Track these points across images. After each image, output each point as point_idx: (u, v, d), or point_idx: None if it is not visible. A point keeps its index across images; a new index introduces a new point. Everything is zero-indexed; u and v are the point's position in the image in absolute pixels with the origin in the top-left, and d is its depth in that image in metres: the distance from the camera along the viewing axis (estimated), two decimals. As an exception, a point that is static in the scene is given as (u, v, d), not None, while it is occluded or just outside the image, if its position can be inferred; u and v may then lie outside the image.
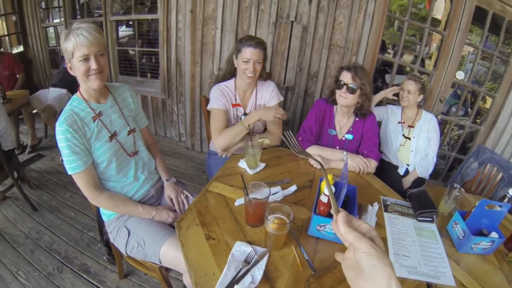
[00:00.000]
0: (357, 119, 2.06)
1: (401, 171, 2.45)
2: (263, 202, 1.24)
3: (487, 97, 3.78)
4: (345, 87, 1.89)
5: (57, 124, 1.37)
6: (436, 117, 2.86)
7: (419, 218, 1.52)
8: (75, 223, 2.83)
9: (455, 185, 1.65)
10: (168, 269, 1.66)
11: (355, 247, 0.55)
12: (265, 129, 2.23)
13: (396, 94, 2.56)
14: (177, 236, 1.26)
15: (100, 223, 1.80)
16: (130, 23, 4.70)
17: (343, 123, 2.08)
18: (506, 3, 2.72)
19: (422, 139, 2.42)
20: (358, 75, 1.87)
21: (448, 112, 3.64)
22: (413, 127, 2.44)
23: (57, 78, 4.22)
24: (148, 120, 1.97)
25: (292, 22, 2.87)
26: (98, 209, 1.74)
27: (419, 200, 1.60)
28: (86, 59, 1.36)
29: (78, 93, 1.50)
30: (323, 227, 1.23)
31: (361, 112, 2.01)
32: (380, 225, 1.43)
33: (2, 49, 4.44)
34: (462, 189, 1.65)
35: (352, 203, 1.37)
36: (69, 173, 1.43)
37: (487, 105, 3.87)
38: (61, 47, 1.38)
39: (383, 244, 0.57)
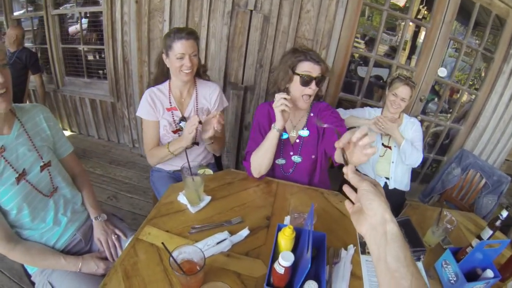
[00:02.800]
0: (311, 114, 1.72)
1: None
2: (196, 276, 0.94)
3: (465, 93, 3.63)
4: (314, 81, 1.54)
5: None
6: (417, 117, 2.68)
7: None
8: None
9: (445, 213, 1.43)
10: None
11: (358, 187, 0.71)
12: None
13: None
14: None
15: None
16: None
17: (296, 120, 1.73)
18: None
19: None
20: (325, 65, 1.61)
21: (425, 109, 3.46)
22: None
23: None
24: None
25: (251, 11, 2.54)
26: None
27: (404, 234, 1.27)
28: None
29: None
30: None
31: (319, 95, 1.74)
32: (355, 275, 1.12)
33: None
34: (453, 219, 1.41)
35: (320, 259, 1.03)
36: None
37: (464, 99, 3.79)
38: None
39: (383, 191, 0.72)
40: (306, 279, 0.94)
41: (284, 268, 0.89)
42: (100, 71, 4.03)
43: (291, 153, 1.69)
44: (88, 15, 4.03)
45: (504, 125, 2.95)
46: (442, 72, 2.78)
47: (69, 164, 1.50)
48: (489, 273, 1.20)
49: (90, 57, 4.14)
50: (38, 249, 1.27)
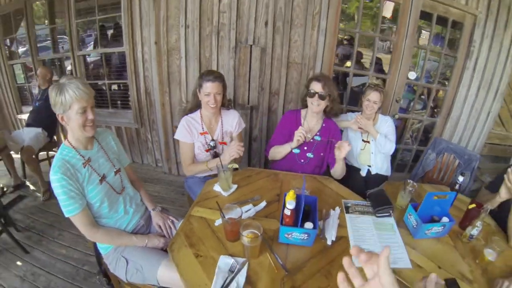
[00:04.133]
0: (324, 124, 2.34)
1: (363, 173, 2.66)
2: (237, 221, 1.45)
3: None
4: (316, 95, 2.18)
5: (51, 173, 1.50)
6: (394, 116, 3.12)
7: (377, 215, 1.75)
8: (68, 260, 2.89)
9: (408, 181, 1.89)
10: None
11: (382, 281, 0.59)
12: None
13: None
14: (170, 258, 1.45)
15: (98, 256, 1.93)
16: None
17: (312, 125, 2.35)
18: (449, 4, 3.01)
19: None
20: (327, 84, 2.20)
21: (408, 107, 3.90)
22: None
23: (31, 118, 4.23)
24: (125, 150, 2.11)
25: (251, 45, 3.07)
26: (95, 244, 1.87)
27: (377, 198, 1.82)
28: (84, 111, 1.53)
29: (66, 141, 1.63)
30: (290, 235, 1.44)
31: (333, 112, 2.35)
32: (342, 225, 1.64)
33: None
34: (415, 184, 1.87)
35: (313, 212, 1.57)
36: (67, 215, 1.55)
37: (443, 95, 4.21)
38: (53, 100, 1.50)
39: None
40: (305, 221, 1.46)
41: (290, 210, 1.42)
42: (119, 101, 4.47)
43: (305, 148, 2.29)
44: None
45: (477, 113, 3.43)
46: (412, 75, 3.25)
47: (128, 172, 2.01)
48: (445, 219, 1.62)
49: (114, 87, 4.60)
50: (115, 231, 1.74)
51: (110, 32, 4.84)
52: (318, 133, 2.34)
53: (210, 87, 2.12)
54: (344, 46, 5.86)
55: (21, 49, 5.82)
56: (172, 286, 1.64)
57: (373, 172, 2.66)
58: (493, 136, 3.91)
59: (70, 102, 1.49)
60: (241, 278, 1.29)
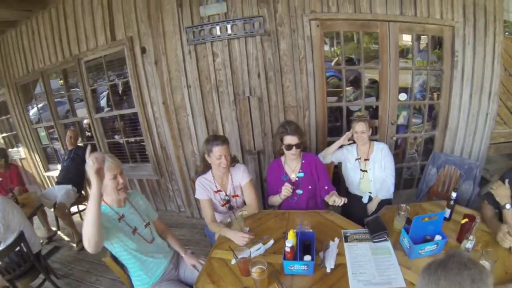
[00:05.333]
0: (303, 161, 2.59)
1: (365, 200, 2.80)
2: (247, 260, 1.76)
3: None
4: (294, 147, 2.46)
5: None
6: (392, 138, 3.29)
7: (374, 240, 1.91)
8: None
9: (401, 205, 2.05)
10: None
11: None
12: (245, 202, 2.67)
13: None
14: None
15: None
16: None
17: (293, 167, 2.62)
18: (425, 23, 3.18)
19: (378, 169, 2.74)
20: (299, 133, 2.47)
21: (409, 124, 3.86)
22: (368, 159, 2.77)
23: (61, 176, 4.62)
24: (148, 199, 2.40)
25: (248, 97, 3.35)
26: (131, 285, 2.17)
27: (374, 225, 2.00)
28: (115, 177, 1.89)
29: (102, 201, 1.95)
30: (292, 267, 1.71)
31: (304, 148, 2.63)
32: (340, 253, 1.86)
33: (9, 161, 4.84)
34: (408, 207, 2.05)
35: (312, 245, 1.82)
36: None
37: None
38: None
39: None
40: (305, 254, 1.72)
41: (289, 248, 1.70)
42: (138, 154, 4.80)
43: (293, 187, 2.52)
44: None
45: (474, 118, 3.55)
46: (402, 96, 3.43)
47: (157, 224, 2.33)
48: (438, 237, 1.75)
49: (131, 140, 4.87)
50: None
51: (120, 88, 5.29)
52: (300, 170, 2.60)
53: (220, 151, 2.36)
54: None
55: (36, 113, 6.39)
56: None
57: (375, 197, 2.77)
58: (497, 136, 3.97)
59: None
60: None
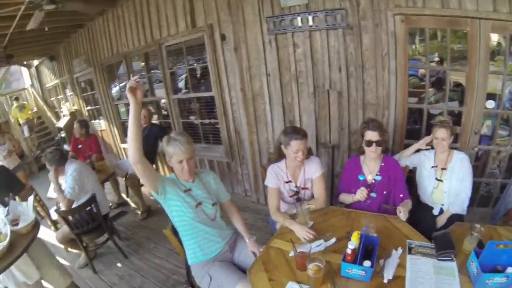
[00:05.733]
0: (383, 164, 2.49)
1: (435, 211, 2.61)
2: (306, 255, 1.75)
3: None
4: (374, 144, 2.36)
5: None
6: (473, 149, 3.01)
7: (439, 258, 1.75)
8: (160, 268, 3.43)
9: (475, 225, 1.82)
10: None
11: None
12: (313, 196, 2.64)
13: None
14: (248, 279, 1.82)
15: (188, 268, 2.34)
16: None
17: (371, 167, 2.52)
18: None
19: (455, 180, 2.52)
20: (381, 131, 2.38)
21: (493, 135, 3.47)
22: (445, 169, 2.56)
23: None
24: None
25: (328, 90, 3.29)
26: (185, 258, 2.29)
27: (442, 241, 1.82)
28: (181, 162, 2.00)
29: (174, 174, 2.15)
30: (350, 270, 1.66)
31: (386, 149, 2.50)
32: (401, 266, 1.74)
33: (90, 131, 5.40)
34: (482, 229, 1.81)
35: (374, 251, 1.75)
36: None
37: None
38: (162, 146, 2.04)
39: None
40: (366, 259, 1.66)
41: (351, 250, 1.67)
42: (211, 136, 5.03)
43: (368, 189, 2.41)
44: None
45: None
46: (490, 104, 3.03)
47: (228, 205, 2.43)
48: (510, 269, 1.52)
49: (206, 122, 5.16)
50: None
51: (199, 72, 5.58)
52: (378, 173, 2.50)
53: (298, 145, 2.33)
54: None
55: (118, 90, 7.16)
56: None
57: (446, 210, 2.58)
58: None
59: (171, 153, 2.00)
60: None
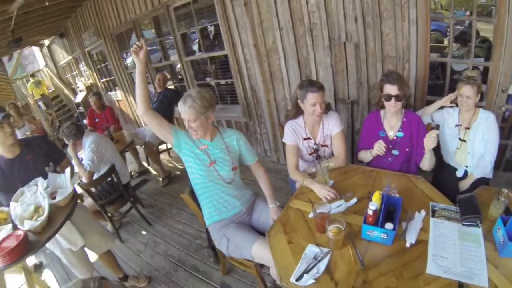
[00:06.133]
0: (404, 119, 2.35)
1: (459, 173, 2.48)
2: (326, 216, 1.72)
3: None
4: (393, 98, 2.21)
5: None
6: (500, 108, 2.79)
7: (464, 223, 1.65)
8: (183, 234, 3.56)
9: (502, 190, 1.69)
10: (262, 266, 2.17)
11: None
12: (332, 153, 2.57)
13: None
14: (265, 239, 1.84)
15: (208, 233, 2.38)
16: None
17: (392, 123, 2.39)
18: None
19: (478, 141, 2.36)
20: (401, 84, 2.19)
21: None
22: (469, 128, 2.38)
23: None
24: None
25: (344, 42, 3.11)
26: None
27: (467, 205, 1.73)
28: (188, 121, 2.01)
29: None
30: (371, 233, 1.62)
31: (407, 104, 2.35)
32: (424, 229, 1.67)
33: (105, 103, 5.52)
34: (510, 194, 1.66)
35: (396, 213, 1.70)
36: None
37: None
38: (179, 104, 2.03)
39: None
40: (387, 221, 1.61)
41: (372, 211, 1.62)
42: (228, 96, 4.96)
43: (390, 146, 2.34)
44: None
45: None
46: None
47: (255, 167, 2.41)
48: None
49: (222, 82, 5.08)
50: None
51: (212, 33, 5.42)
52: (400, 129, 2.36)
53: (315, 98, 2.24)
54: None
55: (131, 59, 6.95)
56: (263, 262, 2.02)
57: (470, 173, 2.45)
58: None
59: (179, 112, 2.03)
60: (322, 265, 1.54)
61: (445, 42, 6.29)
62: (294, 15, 3.33)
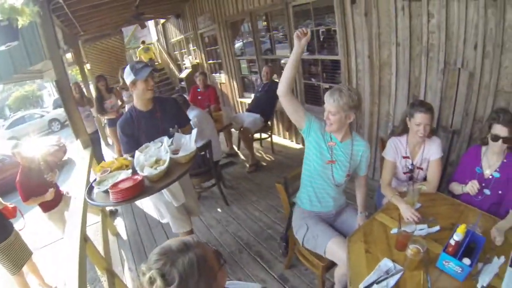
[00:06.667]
0: (505, 161, 2.28)
1: None
2: (409, 235, 1.84)
3: None
4: (501, 140, 2.17)
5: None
6: None
7: None
8: (257, 221, 3.76)
9: None
10: (327, 270, 2.35)
11: None
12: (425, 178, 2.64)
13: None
14: (344, 240, 2.03)
15: (289, 225, 2.59)
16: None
17: (491, 162, 2.33)
18: None
19: None
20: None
21: None
22: None
23: (252, 105, 5.46)
24: None
25: (459, 68, 3.03)
26: (291, 212, 2.54)
27: None
28: (329, 113, 2.09)
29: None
30: (447, 263, 1.71)
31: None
32: (499, 277, 1.65)
33: (209, 82, 5.99)
34: None
35: (476, 251, 1.75)
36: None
37: None
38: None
39: None
40: (465, 257, 1.67)
41: (455, 241, 1.70)
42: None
43: (483, 185, 2.33)
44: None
45: None
46: None
47: (361, 179, 2.46)
48: None
49: (327, 86, 5.23)
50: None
51: (323, 35, 5.54)
52: (497, 170, 2.29)
53: (421, 118, 2.33)
54: None
55: (240, 46, 7.69)
56: (333, 259, 2.19)
57: None
58: None
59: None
60: (392, 281, 1.65)
61: None
62: (413, 33, 3.33)
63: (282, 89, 2.06)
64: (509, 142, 2.18)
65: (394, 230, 2.03)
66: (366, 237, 2.03)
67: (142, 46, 12.93)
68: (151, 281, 0.98)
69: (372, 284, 1.69)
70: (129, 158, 2.45)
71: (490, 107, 2.96)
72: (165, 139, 2.45)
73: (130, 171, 2.27)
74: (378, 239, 2.02)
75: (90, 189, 2.28)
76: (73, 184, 3.60)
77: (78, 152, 4.39)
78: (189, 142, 2.46)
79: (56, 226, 3.70)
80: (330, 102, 2.05)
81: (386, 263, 1.80)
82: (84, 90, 7.14)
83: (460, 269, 1.66)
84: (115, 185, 2.08)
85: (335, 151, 2.21)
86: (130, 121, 2.62)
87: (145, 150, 2.39)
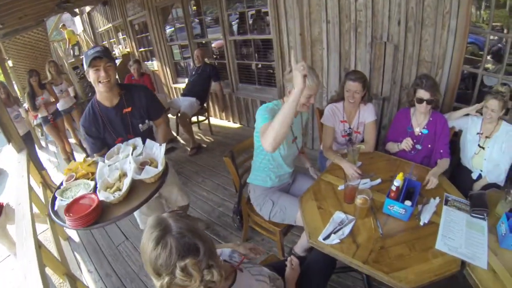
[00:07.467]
0: (431, 119, 2.61)
1: (474, 176, 2.69)
2: (355, 188, 1.99)
3: None
4: (425, 102, 2.47)
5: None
6: None
7: (472, 214, 1.86)
8: (207, 200, 3.78)
9: (510, 191, 1.85)
10: (285, 235, 2.46)
11: None
12: (363, 139, 2.87)
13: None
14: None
15: (239, 198, 2.62)
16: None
17: (420, 121, 2.66)
18: None
19: (496, 150, 2.50)
20: (434, 91, 2.43)
21: None
22: (489, 137, 2.53)
23: (186, 89, 5.35)
24: None
25: (385, 42, 3.33)
26: (241, 187, 2.56)
27: (477, 200, 1.92)
28: (310, 97, 2.08)
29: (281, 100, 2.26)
30: (392, 207, 1.90)
31: (435, 105, 2.59)
32: (437, 213, 1.91)
33: (142, 70, 5.72)
34: None
35: (415, 194, 1.94)
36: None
37: None
38: None
39: None
40: (406, 200, 1.86)
41: (395, 187, 1.90)
42: (263, 78, 5.21)
43: (414, 141, 2.59)
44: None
45: None
46: None
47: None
48: None
49: (260, 66, 5.37)
50: None
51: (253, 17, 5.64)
52: (425, 127, 2.62)
53: (350, 86, 2.57)
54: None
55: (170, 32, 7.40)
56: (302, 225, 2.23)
57: (484, 177, 2.63)
58: None
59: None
60: (347, 230, 1.81)
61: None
62: (342, 11, 3.55)
63: (273, 148, 1.69)
64: (432, 103, 2.50)
65: (341, 186, 2.18)
66: (316, 195, 2.15)
67: (67, 29, 11.92)
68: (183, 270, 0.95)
69: (330, 234, 1.81)
70: (98, 161, 2.16)
71: (414, 75, 3.31)
72: (138, 144, 2.23)
73: (92, 185, 2.01)
74: (328, 196, 2.16)
75: (53, 200, 2.02)
76: (14, 191, 3.15)
77: (12, 158, 3.88)
78: (159, 156, 2.15)
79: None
80: (310, 85, 2.01)
81: (338, 215, 1.94)
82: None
83: (404, 210, 1.86)
84: (71, 204, 1.86)
85: (293, 129, 2.30)
86: (93, 118, 2.22)
87: (113, 157, 2.14)
